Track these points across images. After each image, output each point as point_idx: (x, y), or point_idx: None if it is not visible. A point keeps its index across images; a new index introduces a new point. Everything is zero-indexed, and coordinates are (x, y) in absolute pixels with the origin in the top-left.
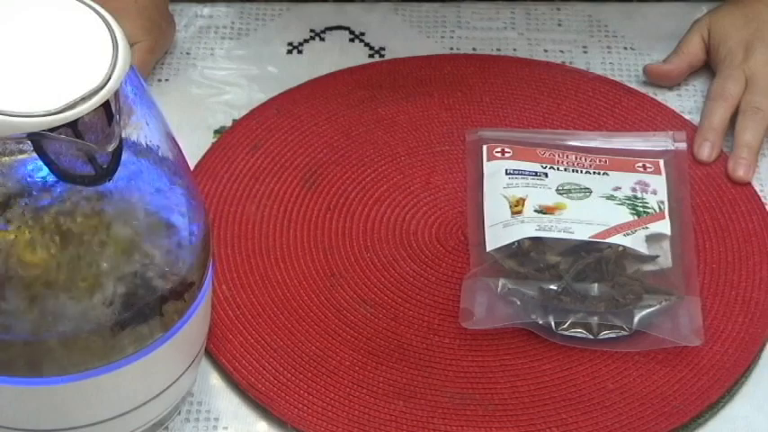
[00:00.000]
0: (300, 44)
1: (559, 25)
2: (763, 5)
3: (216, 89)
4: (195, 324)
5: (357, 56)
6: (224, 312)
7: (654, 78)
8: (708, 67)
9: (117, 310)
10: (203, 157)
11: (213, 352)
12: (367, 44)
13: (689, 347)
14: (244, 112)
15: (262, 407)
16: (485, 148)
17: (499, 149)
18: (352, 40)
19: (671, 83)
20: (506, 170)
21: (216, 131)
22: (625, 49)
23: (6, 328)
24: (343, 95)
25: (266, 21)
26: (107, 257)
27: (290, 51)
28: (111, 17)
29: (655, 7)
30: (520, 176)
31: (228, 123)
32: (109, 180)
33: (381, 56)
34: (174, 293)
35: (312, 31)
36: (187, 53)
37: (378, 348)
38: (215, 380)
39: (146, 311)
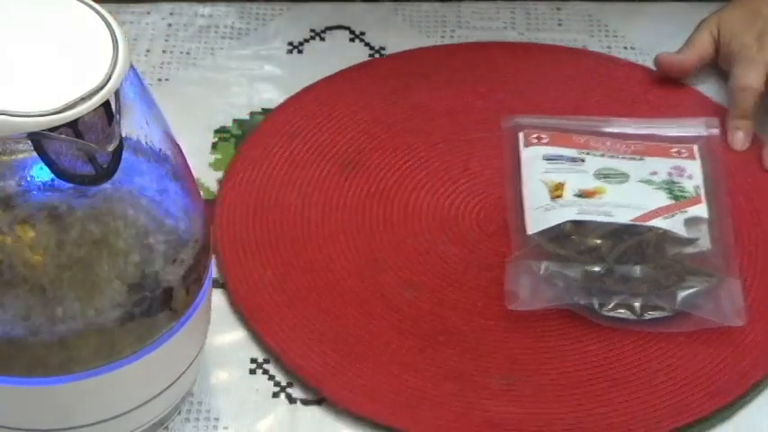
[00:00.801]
0: (300, 44)
1: (559, 25)
2: (763, 4)
3: (216, 89)
4: (195, 324)
5: (357, 56)
6: (269, 297)
7: (665, 68)
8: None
9: (117, 309)
10: (242, 143)
11: (260, 334)
12: (367, 44)
13: (731, 328)
14: (244, 112)
15: (262, 407)
16: (521, 134)
17: (536, 136)
18: (352, 40)
19: (682, 74)
20: (544, 156)
21: (216, 131)
22: (625, 48)
23: (8, 329)
24: (378, 84)
25: (266, 21)
26: (107, 257)
27: (290, 51)
28: (111, 17)
29: (655, 7)
30: (558, 162)
31: (229, 123)
32: (109, 180)
33: (381, 55)
34: (173, 293)
35: (312, 30)
36: (187, 53)
37: (423, 332)
38: (215, 380)
39: (145, 311)
